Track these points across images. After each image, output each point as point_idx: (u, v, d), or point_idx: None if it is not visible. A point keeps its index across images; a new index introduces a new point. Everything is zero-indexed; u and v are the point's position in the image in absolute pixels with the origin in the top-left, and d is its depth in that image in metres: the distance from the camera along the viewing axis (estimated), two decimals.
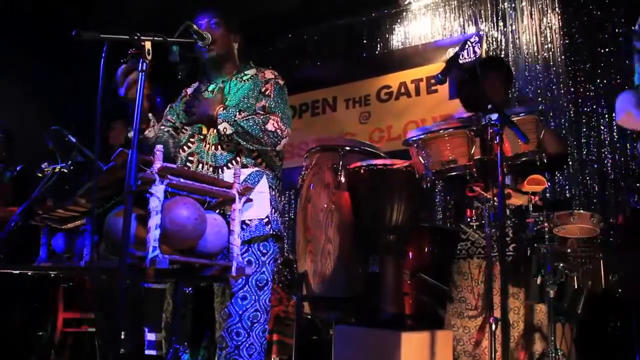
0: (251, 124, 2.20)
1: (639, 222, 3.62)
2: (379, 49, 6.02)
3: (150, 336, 4.31)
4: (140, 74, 1.67)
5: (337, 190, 2.68)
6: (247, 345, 2.13)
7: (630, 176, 4.25)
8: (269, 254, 2.26)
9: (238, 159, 2.28)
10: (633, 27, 2.06)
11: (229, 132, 2.21)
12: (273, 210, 2.29)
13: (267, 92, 2.34)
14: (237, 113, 2.25)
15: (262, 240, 2.24)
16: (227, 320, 2.16)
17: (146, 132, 2.33)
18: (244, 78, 2.41)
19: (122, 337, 4.22)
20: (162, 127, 2.44)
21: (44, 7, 5.23)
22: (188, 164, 2.34)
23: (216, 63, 2.42)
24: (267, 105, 2.30)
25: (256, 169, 2.28)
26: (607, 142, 4.54)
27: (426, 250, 3.43)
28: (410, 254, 3.32)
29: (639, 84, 2.01)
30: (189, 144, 2.38)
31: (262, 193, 2.23)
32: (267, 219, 2.25)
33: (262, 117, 2.23)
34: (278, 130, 2.21)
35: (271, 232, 2.26)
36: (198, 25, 2.32)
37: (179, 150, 2.41)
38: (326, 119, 6.16)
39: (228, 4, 2.48)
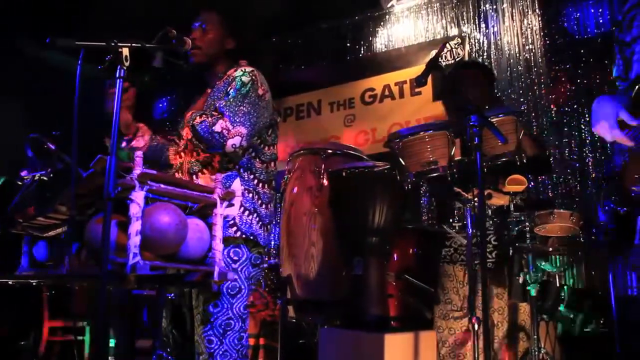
0: (203, 126, 2.13)
1: (619, 221, 3.66)
2: (362, 51, 6.04)
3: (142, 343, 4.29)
4: (118, 80, 1.67)
5: (319, 194, 2.68)
6: (220, 352, 2.12)
7: (610, 175, 4.29)
8: (240, 261, 2.21)
9: (213, 164, 2.26)
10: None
11: (190, 137, 2.20)
12: (247, 212, 2.24)
13: (229, 91, 2.25)
14: (198, 117, 2.18)
15: (232, 243, 2.20)
16: (200, 326, 2.15)
17: (133, 143, 2.32)
18: (223, 79, 2.37)
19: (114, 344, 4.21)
20: (164, 137, 2.46)
21: (43, 7, 5.17)
22: (180, 171, 2.35)
23: (202, 68, 2.40)
24: (217, 105, 2.22)
25: (229, 172, 2.25)
26: (588, 141, 4.59)
27: (411, 251, 3.43)
28: (395, 255, 3.33)
29: (618, 76, 2.03)
30: (185, 151, 2.38)
31: None
32: (232, 221, 2.19)
33: (213, 118, 2.16)
34: (224, 131, 2.11)
35: (238, 235, 2.21)
36: (192, 28, 2.33)
37: (175, 158, 2.41)
38: (311, 122, 6.17)
39: (213, 7, 2.47)
